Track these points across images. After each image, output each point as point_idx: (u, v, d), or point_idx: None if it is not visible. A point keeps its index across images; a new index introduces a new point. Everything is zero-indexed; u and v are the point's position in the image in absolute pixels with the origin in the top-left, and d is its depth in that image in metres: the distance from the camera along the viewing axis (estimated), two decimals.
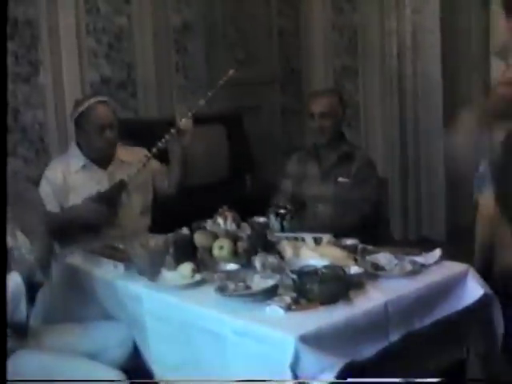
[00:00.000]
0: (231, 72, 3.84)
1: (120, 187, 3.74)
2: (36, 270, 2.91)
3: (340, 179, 4.09)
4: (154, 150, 3.83)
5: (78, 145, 3.92)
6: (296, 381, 2.39)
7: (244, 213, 3.52)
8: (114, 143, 3.89)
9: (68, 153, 3.99)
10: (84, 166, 3.88)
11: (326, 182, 4.13)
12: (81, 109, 3.84)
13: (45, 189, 3.80)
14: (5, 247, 2.48)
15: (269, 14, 6.51)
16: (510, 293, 3.27)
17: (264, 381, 2.46)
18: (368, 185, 4.09)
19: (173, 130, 3.84)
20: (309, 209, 4.05)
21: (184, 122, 3.85)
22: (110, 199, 3.69)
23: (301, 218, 3.66)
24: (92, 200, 3.66)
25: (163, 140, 3.82)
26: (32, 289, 2.92)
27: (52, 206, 3.72)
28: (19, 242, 3.05)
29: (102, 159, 3.90)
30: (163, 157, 3.98)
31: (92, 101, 3.88)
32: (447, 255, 3.24)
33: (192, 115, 3.86)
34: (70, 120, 5.10)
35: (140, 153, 3.97)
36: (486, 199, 3.36)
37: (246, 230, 3.26)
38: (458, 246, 4.49)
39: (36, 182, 4.93)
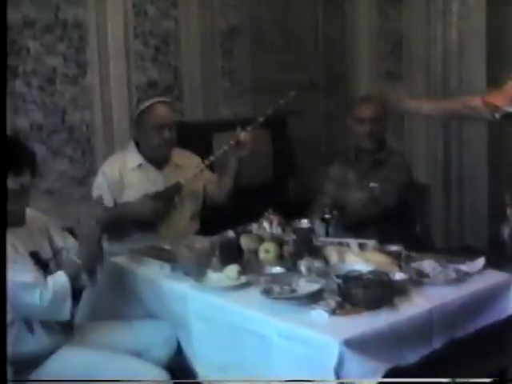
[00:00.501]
0: (292, 93, 3.93)
1: (176, 189, 3.82)
2: (82, 273, 2.96)
3: (371, 184, 4.14)
4: (212, 157, 3.92)
5: (137, 144, 4.00)
6: (339, 380, 2.42)
7: (287, 216, 3.56)
8: (171, 143, 3.97)
9: (126, 150, 4.07)
10: (140, 165, 3.96)
11: (361, 188, 4.19)
12: (142, 107, 3.94)
13: (101, 182, 3.89)
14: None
15: (315, 19, 6.53)
16: None
17: (308, 381, 2.49)
18: (393, 185, 4.12)
19: (232, 142, 3.91)
20: (348, 213, 4.08)
21: (244, 135, 3.92)
22: (166, 199, 3.77)
23: (343, 223, 3.69)
24: (149, 197, 3.74)
25: (221, 150, 3.91)
26: (78, 288, 2.97)
27: (106, 200, 3.79)
28: (68, 244, 3.11)
29: (158, 159, 3.98)
30: (212, 165, 4.08)
31: (154, 100, 4.00)
32: (490, 264, 3.25)
33: (252, 129, 3.93)
34: (116, 121, 5.25)
35: (194, 159, 4.09)
36: None
37: (291, 234, 3.30)
38: (500, 254, 4.48)
39: (81, 182, 5.05)
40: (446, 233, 6.23)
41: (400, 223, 4.10)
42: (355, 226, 3.85)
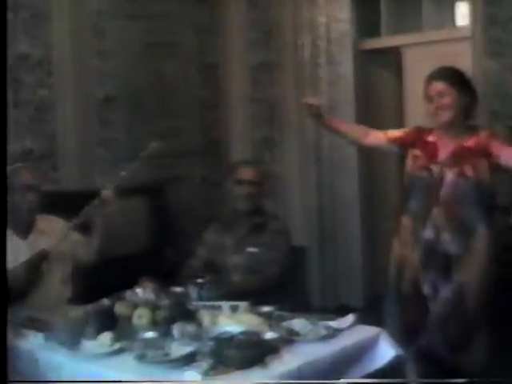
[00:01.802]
0: (153, 144, 4.01)
1: (42, 256, 3.81)
2: None
3: (249, 249, 4.22)
4: (76, 221, 3.94)
5: None
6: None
7: (165, 282, 3.62)
8: (34, 208, 3.96)
9: None
10: None
11: (238, 252, 4.25)
12: None
13: None
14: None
15: (190, 87, 6.65)
16: None
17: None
18: (275, 251, 4.22)
19: (95, 201, 3.95)
20: (224, 277, 4.14)
21: (105, 193, 3.97)
22: (32, 267, 3.75)
23: (217, 287, 3.75)
24: (15, 268, 3.71)
25: (84, 211, 3.93)
26: None
27: None
28: None
29: (22, 227, 3.96)
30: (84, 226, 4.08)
31: (16, 166, 4.05)
32: (364, 320, 3.39)
33: (114, 186, 3.98)
34: None
35: (59, 223, 4.07)
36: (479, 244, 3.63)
37: (165, 300, 3.35)
38: (375, 311, 4.62)
39: None
40: (323, 293, 6.35)
41: (276, 284, 4.17)
42: (233, 289, 3.91)
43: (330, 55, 6.34)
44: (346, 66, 6.29)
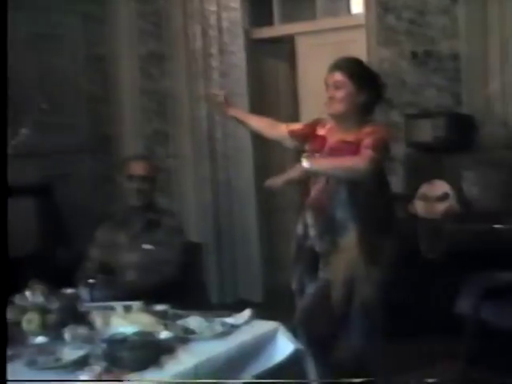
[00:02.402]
0: (24, 131, 3.87)
1: None
2: None
3: (144, 246, 4.15)
4: None
5: None
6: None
7: (56, 284, 3.51)
8: None
9: None
10: None
11: (133, 250, 4.17)
12: None
13: None
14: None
15: (78, 79, 6.46)
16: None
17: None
18: (171, 249, 4.16)
19: None
20: (118, 277, 4.04)
21: None
22: None
23: (110, 287, 3.66)
24: None
25: None
26: None
27: None
28: None
29: None
30: None
31: None
32: (264, 315, 3.36)
33: None
34: None
35: None
36: (348, 242, 3.52)
37: (55, 302, 3.26)
38: (275, 305, 4.60)
39: None
40: (221, 289, 6.31)
41: (173, 282, 4.11)
42: (128, 289, 3.83)
43: (221, 45, 6.31)
44: (239, 56, 6.26)
